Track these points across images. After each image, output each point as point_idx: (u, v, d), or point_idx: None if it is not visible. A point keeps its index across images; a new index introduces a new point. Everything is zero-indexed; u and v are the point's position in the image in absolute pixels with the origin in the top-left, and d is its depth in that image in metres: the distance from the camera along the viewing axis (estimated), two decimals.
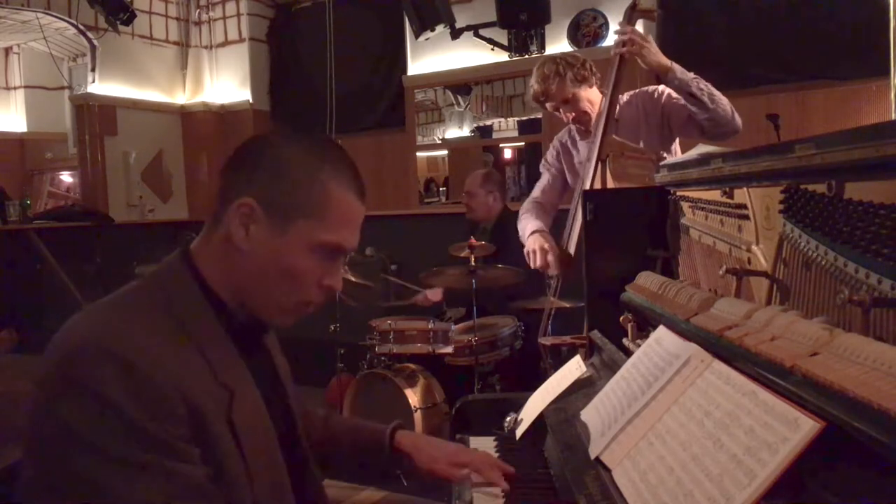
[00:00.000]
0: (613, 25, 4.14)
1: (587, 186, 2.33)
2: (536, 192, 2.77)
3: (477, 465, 1.22)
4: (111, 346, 0.83)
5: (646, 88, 2.48)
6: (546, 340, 2.56)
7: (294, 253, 0.95)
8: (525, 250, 2.49)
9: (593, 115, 2.44)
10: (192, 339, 0.91)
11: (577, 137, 2.61)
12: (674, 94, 2.30)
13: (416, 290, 3.81)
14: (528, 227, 2.55)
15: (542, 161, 2.80)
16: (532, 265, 2.44)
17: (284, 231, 0.95)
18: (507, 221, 3.75)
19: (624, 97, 2.49)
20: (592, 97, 2.46)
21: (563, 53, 2.72)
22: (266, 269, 0.95)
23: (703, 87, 2.16)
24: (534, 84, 2.49)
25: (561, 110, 2.49)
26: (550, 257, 2.37)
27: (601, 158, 2.29)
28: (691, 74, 2.17)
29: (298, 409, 1.16)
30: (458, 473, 1.22)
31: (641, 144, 2.40)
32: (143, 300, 0.94)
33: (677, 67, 2.16)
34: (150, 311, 0.91)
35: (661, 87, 2.37)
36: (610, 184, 2.25)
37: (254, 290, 0.97)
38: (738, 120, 2.23)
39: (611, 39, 2.49)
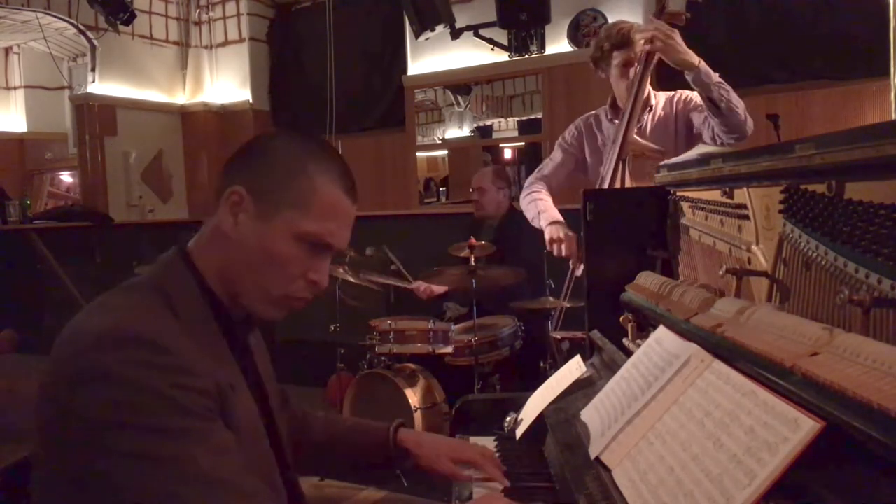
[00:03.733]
0: None
1: (606, 185, 2.32)
2: (547, 168, 2.72)
3: (478, 460, 1.24)
4: (130, 330, 0.84)
5: (684, 92, 2.43)
6: (557, 334, 2.57)
7: (279, 240, 0.97)
8: (547, 236, 2.47)
9: (646, 86, 2.37)
10: (194, 338, 0.92)
11: (605, 119, 2.58)
12: (699, 98, 2.26)
13: (407, 278, 3.80)
14: (546, 213, 2.52)
15: (560, 139, 2.74)
16: (556, 254, 2.43)
17: (271, 219, 0.97)
18: (514, 219, 3.76)
19: (662, 96, 2.47)
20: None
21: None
22: (252, 255, 0.98)
23: (724, 92, 2.11)
24: (620, 31, 2.38)
25: (630, 67, 2.38)
26: (574, 247, 2.36)
27: (622, 158, 2.29)
28: (716, 77, 2.12)
29: (280, 412, 1.15)
30: (460, 474, 1.23)
31: (671, 145, 2.38)
32: (145, 295, 0.95)
33: (703, 68, 2.10)
34: (153, 304, 0.93)
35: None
36: (629, 183, 2.25)
37: (241, 279, 0.99)
38: (750, 125, 2.19)
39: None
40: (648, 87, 2.43)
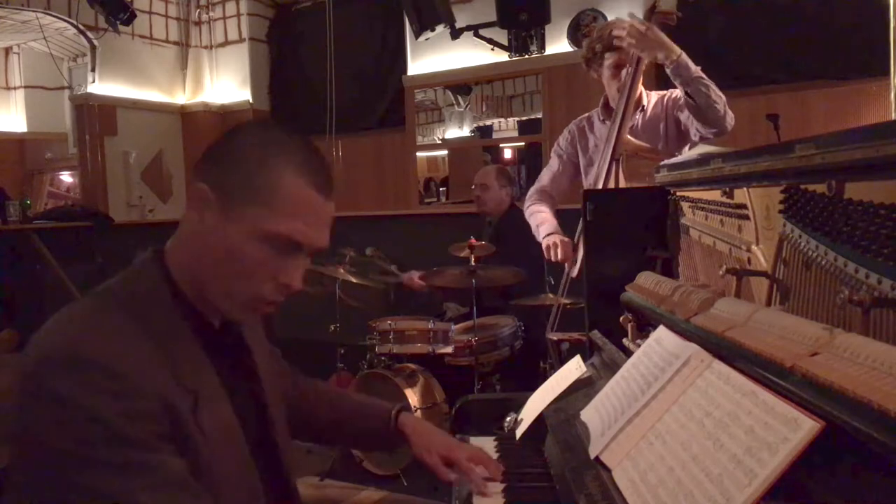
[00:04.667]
0: None
1: (600, 185, 2.33)
2: (545, 179, 2.76)
3: (464, 465, 1.23)
4: (78, 352, 0.83)
5: (674, 90, 2.42)
6: (554, 336, 2.57)
7: (243, 240, 0.92)
8: (544, 245, 2.50)
9: (637, 86, 2.40)
10: (155, 340, 0.90)
11: (597, 121, 2.59)
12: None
13: (396, 273, 3.79)
14: (544, 225, 2.55)
15: (555, 146, 2.77)
16: (553, 259, 2.45)
17: (235, 218, 0.93)
18: (514, 217, 3.76)
19: (654, 95, 2.48)
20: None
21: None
22: (217, 256, 0.94)
23: (702, 88, 2.12)
24: (610, 32, 2.39)
25: (622, 70, 2.40)
26: (568, 249, 2.38)
27: (615, 158, 2.29)
28: (696, 72, 2.12)
29: (279, 412, 1.13)
30: (445, 474, 1.23)
31: (661, 145, 2.40)
32: (105, 302, 0.93)
33: (682, 62, 2.11)
34: (111, 312, 0.90)
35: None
36: (622, 183, 2.25)
37: (208, 280, 0.96)
38: (730, 121, 2.19)
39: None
40: (640, 87, 2.44)
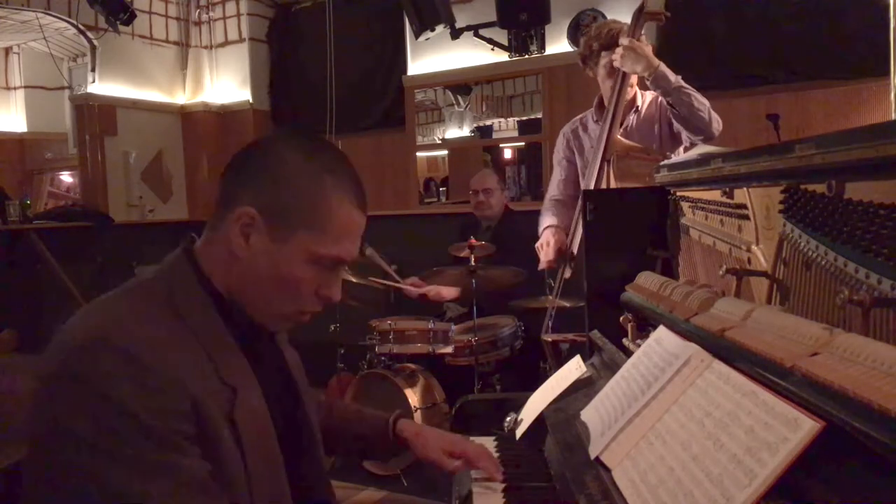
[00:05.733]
0: None
1: (592, 186, 2.33)
2: (553, 189, 2.77)
3: (470, 454, 1.24)
4: (114, 340, 0.83)
5: None
6: (548, 337, 2.57)
7: (293, 263, 0.94)
8: (537, 245, 2.51)
9: (635, 84, 2.42)
10: (195, 335, 0.91)
11: (591, 122, 2.60)
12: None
13: (395, 278, 3.74)
14: (544, 223, 2.56)
15: (554, 153, 2.80)
16: (541, 246, 2.46)
17: (285, 241, 0.94)
18: (511, 219, 3.77)
19: (649, 95, 2.49)
20: None
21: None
22: (264, 277, 0.95)
23: (684, 97, 2.16)
24: (609, 32, 2.43)
25: (616, 68, 2.40)
26: (551, 251, 2.39)
27: (606, 158, 2.30)
28: (676, 81, 2.16)
29: (312, 406, 1.15)
30: (448, 463, 1.23)
31: (655, 145, 2.41)
32: (146, 295, 0.93)
33: (660, 72, 2.15)
34: (153, 306, 0.91)
35: None
36: (613, 183, 2.26)
37: (251, 297, 0.97)
38: (717, 126, 2.22)
39: None
40: (635, 87, 2.45)
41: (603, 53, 2.43)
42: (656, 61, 2.16)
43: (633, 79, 2.37)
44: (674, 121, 2.27)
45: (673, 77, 2.16)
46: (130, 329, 0.85)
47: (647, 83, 2.19)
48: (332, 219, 0.95)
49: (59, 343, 0.86)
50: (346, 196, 0.97)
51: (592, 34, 2.49)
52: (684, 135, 2.30)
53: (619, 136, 2.33)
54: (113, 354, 0.81)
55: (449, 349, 3.27)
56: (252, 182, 0.96)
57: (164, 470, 0.81)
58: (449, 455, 1.25)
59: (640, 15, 2.22)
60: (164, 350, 0.85)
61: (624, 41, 2.19)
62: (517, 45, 4.57)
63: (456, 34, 4.53)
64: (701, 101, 2.17)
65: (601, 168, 2.31)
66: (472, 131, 5.30)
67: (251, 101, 5.71)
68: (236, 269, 0.96)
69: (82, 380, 0.81)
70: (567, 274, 2.45)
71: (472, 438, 1.47)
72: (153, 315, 0.89)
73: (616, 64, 2.23)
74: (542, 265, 2.49)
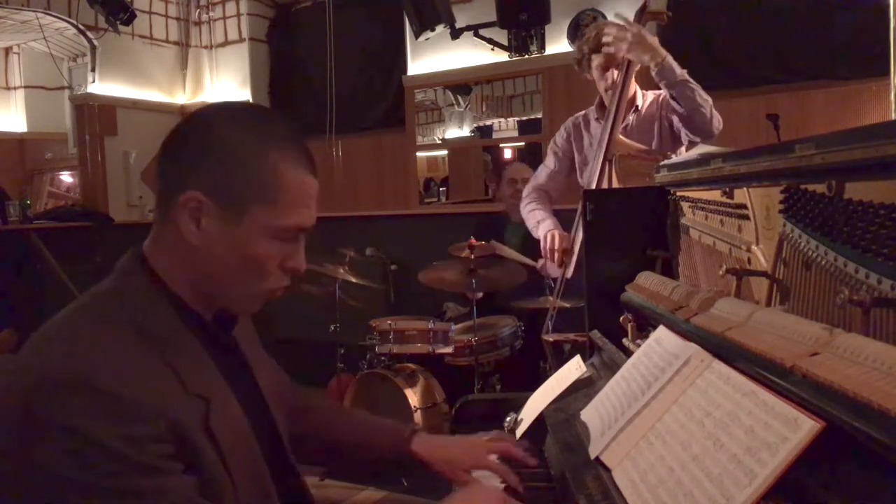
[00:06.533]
0: None
1: (593, 185, 2.33)
2: (542, 177, 2.76)
3: (494, 468, 1.19)
4: (74, 375, 0.78)
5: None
6: (549, 337, 2.57)
7: (252, 242, 0.90)
8: (542, 247, 2.50)
9: (629, 87, 2.40)
10: (158, 350, 0.86)
11: (592, 119, 2.60)
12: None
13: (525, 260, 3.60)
14: (545, 222, 2.56)
15: (551, 143, 2.78)
16: (548, 250, 2.46)
17: (239, 221, 0.90)
18: None
19: (650, 95, 2.49)
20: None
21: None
22: (226, 260, 0.91)
23: (688, 91, 2.14)
24: (596, 34, 2.40)
25: (608, 71, 2.42)
26: (558, 256, 2.39)
27: (608, 158, 2.29)
28: (681, 75, 2.14)
29: (277, 404, 1.10)
30: (475, 481, 1.18)
31: (654, 145, 2.41)
32: (101, 314, 0.88)
33: (667, 64, 2.12)
34: (110, 326, 0.86)
35: None
36: (615, 184, 2.25)
37: (216, 284, 0.93)
38: (717, 125, 2.20)
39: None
40: (635, 87, 2.44)
41: (593, 56, 2.43)
42: (663, 52, 2.14)
43: (632, 78, 2.36)
44: (674, 118, 2.26)
45: (678, 70, 2.14)
46: (92, 359, 0.81)
47: (653, 75, 2.16)
48: (284, 188, 0.91)
49: (16, 382, 0.81)
50: (294, 162, 0.92)
51: (583, 38, 2.50)
52: (683, 133, 2.29)
53: (621, 137, 2.32)
54: (76, 391, 0.78)
55: (449, 349, 3.27)
56: (193, 164, 0.91)
57: (151, 494, 0.78)
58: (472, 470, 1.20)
59: (643, 14, 2.21)
60: (130, 374, 0.81)
61: (633, 28, 2.15)
62: (517, 45, 4.58)
63: (456, 34, 4.54)
64: (704, 98, 2.16)
65: (603, 167, 2.31)
66: (472, 131, 5.31)
67: (251, 100, 5.71)
68: (194, 260, 0.92)
69: (49, 421, 0.77)
70: (568, 274, 2.45)
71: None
72: (113, 337, 0.85)
73: (622, 53, 2.19)
74: (554, 271, 2.48)
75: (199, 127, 0.94)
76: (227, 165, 0.90)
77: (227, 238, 0.90)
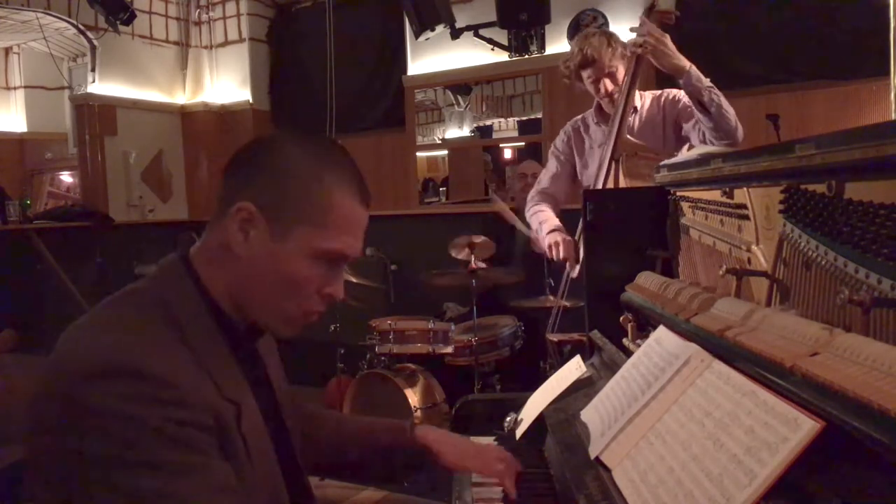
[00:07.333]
0: (614, 25, 4.14)
1: (600, 185, 2.33)
2: (545, 180, 2.76)
3: (496, 474, 1.19)
4: (125, 361, 0.80)
5: (671, 91, 2.44)
6: (554, 337, 2.57)
7: (294, 260, 0.92)
8: (546, 244, 2.50)
9: (636, 87, 2.40)
10: (195, 353, 0.88)
11: (592, 123, 2.60)
12: (687, 99, 2.26)
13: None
14: (546, 223, 2.55)
15: (552, 147, 2.78)
16: (554, 258, 2.45)
17: (284, 238, 0.91)
18: None
19: (648, 96, 2.49)
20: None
21: (605, 31, 2.68)
22: (265, 275, 0.93)
23: (715, 97, 2.10)
24: (586, 50, 2.41)
25: (600, 82, 2.42)
26: (563, 250, 2.38)
27: (614, 158, 2.29)
28: (707, 82, 2.11)
29: (290, 415, 1.12)
30: (496, 470, 1.20)
31: (658, 146, 2.40)
32: (144, 308, 0.90)
33: (694, 72, 2.10)
34: (153, 321, 0.88)
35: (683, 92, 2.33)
36: (622, 183, 2.25)
37: (253, 298, 0.94)
38: (741, 133, 2.18)
39: (623, 37, 2.45)
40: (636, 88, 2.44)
41: (582, 72, 2.44)
42: (686, 60, 2.13)
43: (639, 77, 2.35)
44: (693, 123, 2.23)
45: (704, 77, 2.13)
46: (142, 348, 0.82)
47: (679, 82, 2.14)
48: (333, 212, 0.93)
49: (59, 370, 0.82)
50: (347, 190, 0.95)
51: (568, 56, 2.51)
52: (696, 139, 2.26)
53: (628, 137, 2.32)
54: (122, 376, 0.79)
55: (449, 349, 3.27)
56: (251, 179, 0.93)
57: (194, 470, 0.79)
58: (490, 462, 1.21)
59: (650, 14, 2.19)
60: (176, 367, 0.83)
61: (657, 32, 2.12)
62: (517, 45, 4.57)
63: (456, 34, 4.53)
64: (728, 105, 2.14)
65: (609, 167, 2.31)
66: (472, 131, 5.31)
67: (251, 101, 5.71)
68: (237, 270, 0.93)
69: (95, 407, 0.77)
70: (574, 273, 2.45)
71: (471, 439, 1.48)
72: (155, 330, 0.87)
73: (648, 55, 2.16)
74: (561, 258, 2.45)
75: (262, 145, 0.97)
76: (282, 182, 0.92)
77: (270, 253, 0.92)
